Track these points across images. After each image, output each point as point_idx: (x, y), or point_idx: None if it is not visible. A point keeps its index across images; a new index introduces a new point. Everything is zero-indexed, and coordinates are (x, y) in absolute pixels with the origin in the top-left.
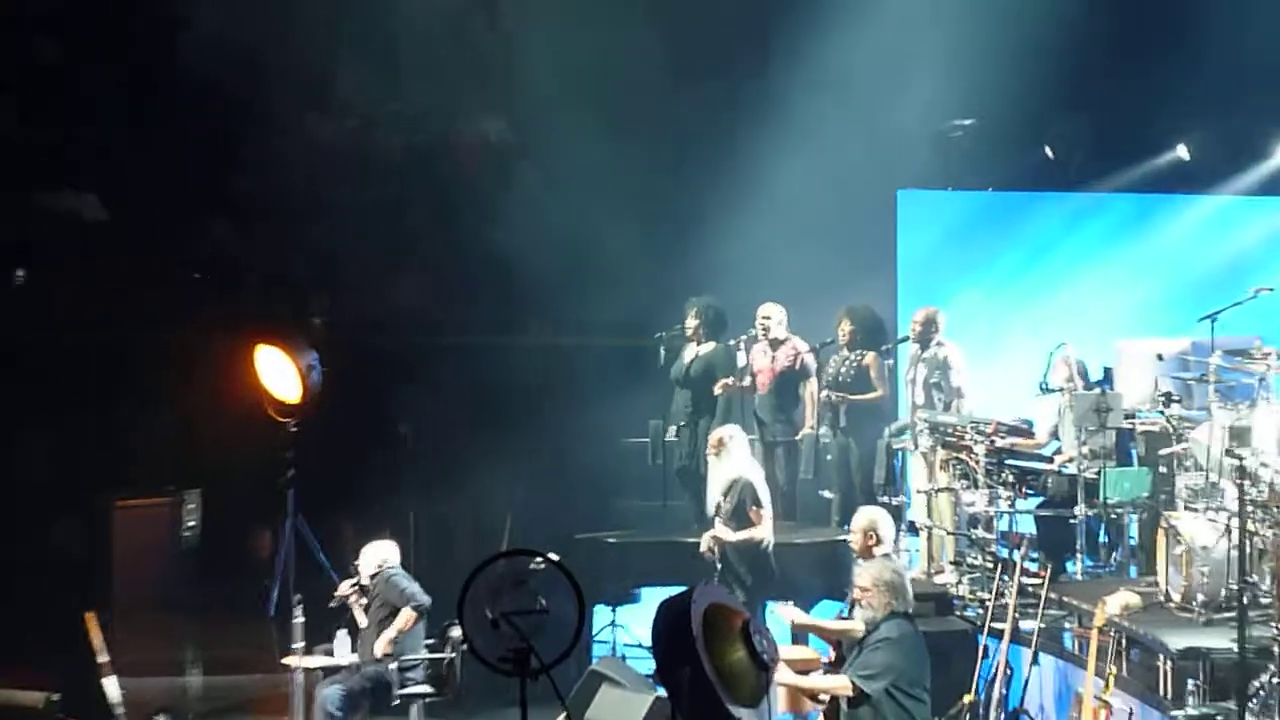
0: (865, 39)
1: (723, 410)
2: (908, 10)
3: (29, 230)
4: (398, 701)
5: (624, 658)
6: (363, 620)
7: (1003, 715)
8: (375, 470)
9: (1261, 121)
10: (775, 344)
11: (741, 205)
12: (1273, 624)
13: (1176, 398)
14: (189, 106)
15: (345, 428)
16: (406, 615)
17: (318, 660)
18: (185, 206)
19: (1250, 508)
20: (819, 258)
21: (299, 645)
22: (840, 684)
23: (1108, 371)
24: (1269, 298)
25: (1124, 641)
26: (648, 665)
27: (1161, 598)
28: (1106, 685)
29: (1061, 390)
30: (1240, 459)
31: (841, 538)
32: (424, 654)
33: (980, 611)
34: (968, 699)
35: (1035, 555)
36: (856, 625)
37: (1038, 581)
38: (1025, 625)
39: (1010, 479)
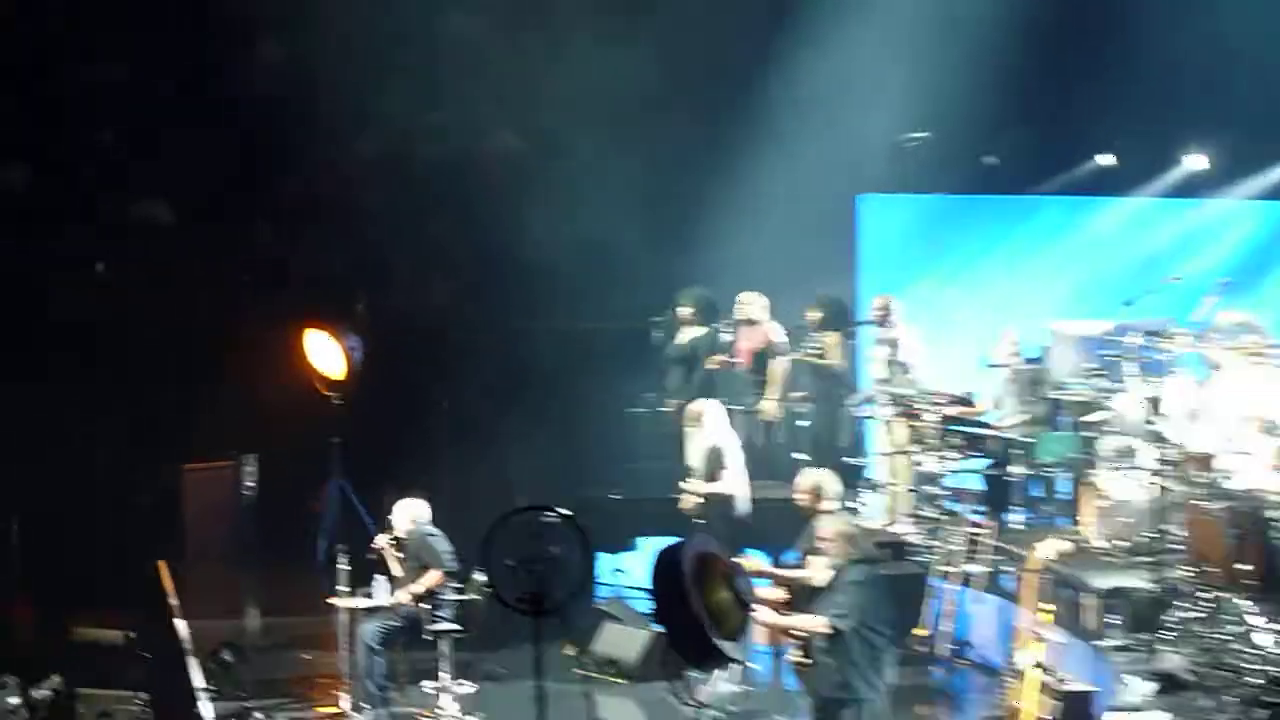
0: (834, 63)
1: (710, 385)
2: (871, 37)
3: (110, 231)
4: (430, 638)
5: (625, 599)
6: (396, 569)
7: (951, 646)
8: (410, 437)
9: (1174, 135)
10: (754, 326)
11: (728, 207)
12: (1183, 566)
13: (1101, 372)
14: (248, 122)
15: (384, 401)
16: (435, 575)
17: (359, 601)
18: (245, 211)
19: (1164, 466)
20: (793, 252)
21: (343, 589)
22: (818, 623)
23: (1042, 350)
24: (1179, 285)
25: (1056, 582)
26: (646, 605)
27: (1088, 544)
28: (1041, 620)
29: (1003, 366)
30: (1155, 425)
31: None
32: (452, 596)
33: (932, 557)
34: (920, 632)
35: (979, 509)
36: (810, 574)
37: (981, 531)
38: (971, 568)
39: (958, 442)
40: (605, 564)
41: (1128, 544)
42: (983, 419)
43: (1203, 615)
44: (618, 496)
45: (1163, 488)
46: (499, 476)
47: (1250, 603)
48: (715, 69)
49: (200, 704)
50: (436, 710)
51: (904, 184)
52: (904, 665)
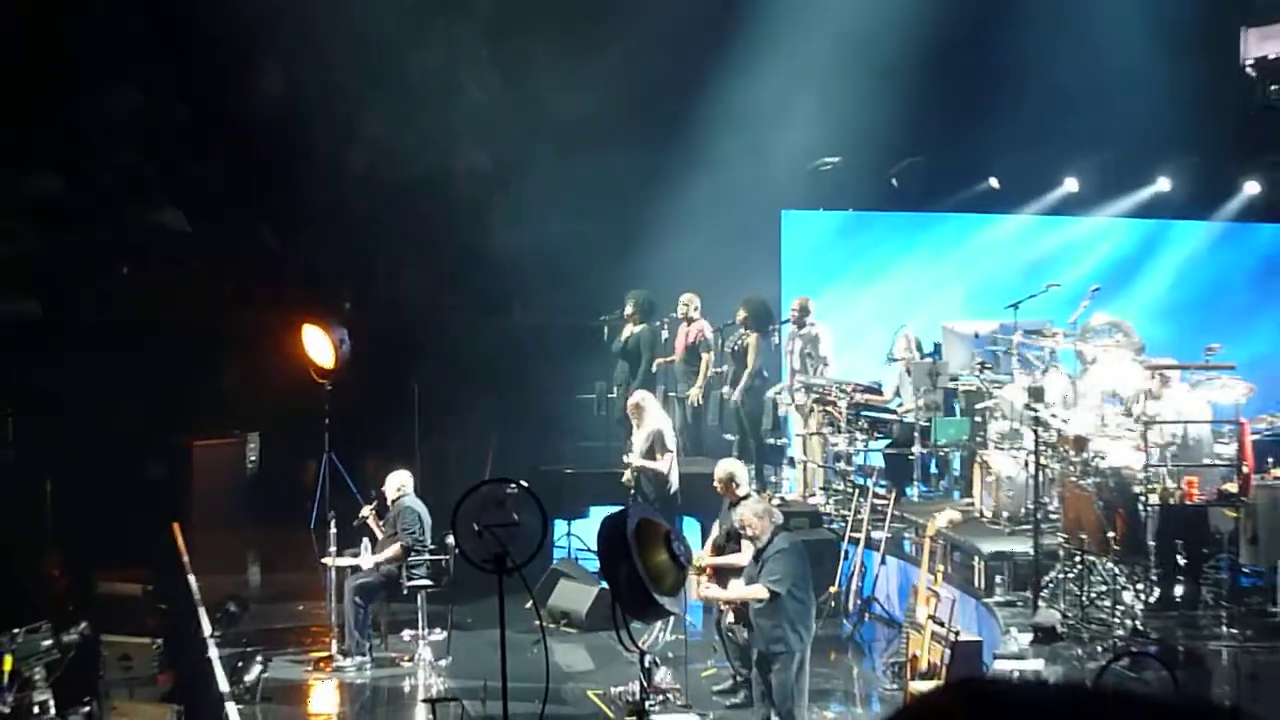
0: (762, 94)
1: (651, 376)
2: (793, 73)
3: (131, 235)
4: (406, 592)
5: (577, 559)
6: (379, 534)
7: (859, 601)
8: (391, 418)
9: (1052, 160)
10: (690, 323)
11: (668, 219)
12: (1059, 534)
13: (988, 365)
14: (252, 142)
15: (368, 386)
16: (394, 548)
17: (346, 560)
18: (249, 220)
19: (1043, 447)
20: (724, 259)
21: (332, 550)
22: (757, 592)
23: (937, 346)
24: (1056, 291)
25: (949, 547)
26: (594, 565)
27: (977, 514)
28: (936, 579)
29: (902, 360)
30: (1035, 411)
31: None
32: (427, 556)
33: (842, 524)
34: (833, 590)
35: (883, 483)
36: (740, 558)
37: (885, 502)
38: (876, 535)
39: (865, 426)
40: (560, 529)
41: (1010, 514)
42: (887, 406)
43: (1075, 576)
44: (571, 471)
45: (1041, 465)
46: (467, 452)
47: (1116, 566)
48: (658, 97)
49: (209, 649)
50: (414, 656)
51: (821, 201)
52: (818, 619)
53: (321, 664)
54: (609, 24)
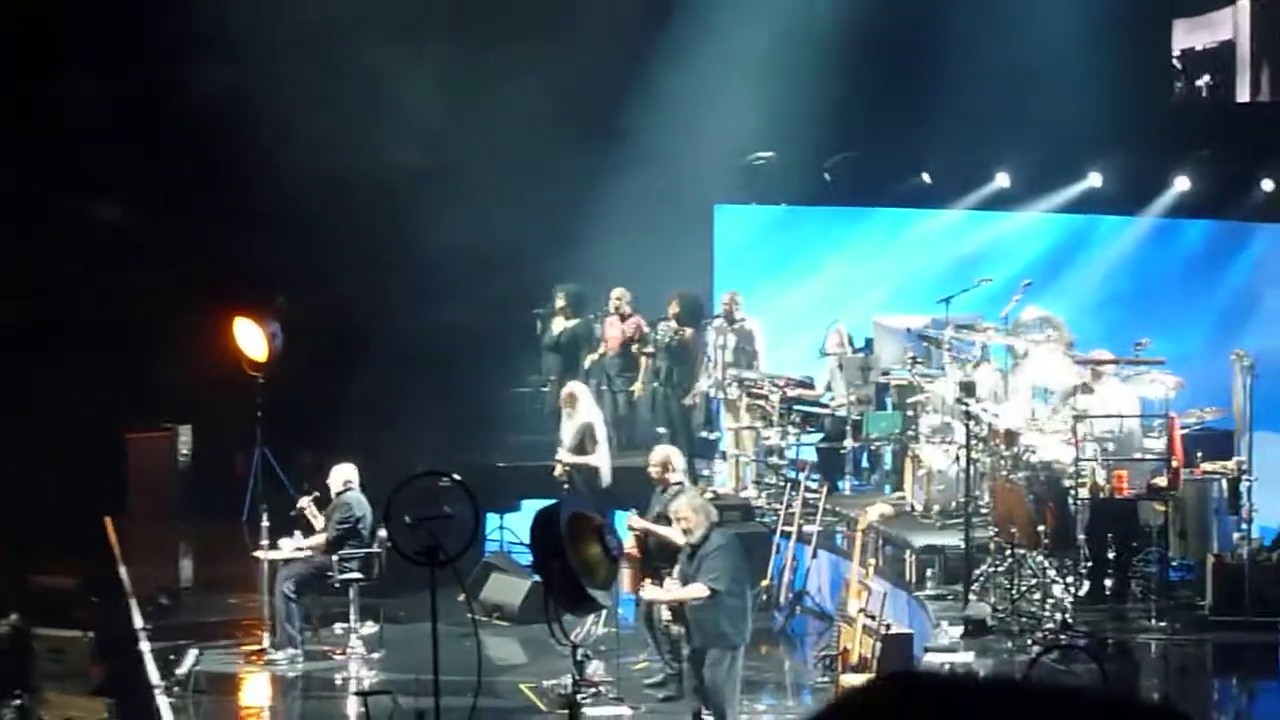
0: (695, 90)
1: (583, 370)
2: (726, 70)
3: (61, 229)
4: (337, 585)
5: (509, 553)
6: (318, 525)
7: (791, 595)
8: (323, 411)
9: (984, 157)
10: (623, 318)
11: (601, 214)
12: (990, 527)
13: (920, 360)
14: (190, 141)
15: (299, 380)
16: (319, 539)
17: (278, 553)
18: (185, 216)
19: (974, 441)
20: (657, 253)
21: (265, 542)
22: (697, 591)
23: (869, 341)
24: (988, 285)
25: (880, 541)
26: (527, 558)
27: (908, 508)
28: (867, 573)
29: (835, 354)
30: (967, 405)
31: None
32: (359, 549)
33: (774, 518)
34: (765, 583)
35: (815, 477)
36: (672, 533)
37: (817, 496)
38: (808, 528)
39: (797, 419)
40: (492, 522)
41: (941, 508)
42: (819, 400)
43: (1005, 570)
44: (503, 464)
45: (972, 460)
46: (400, 445)
47: (1046, 559)
48: (591, 92)
49: (141, 641)
50: (346, 649)
51: (754, 195)
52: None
53: (253, 657)
54: (542, 19)
